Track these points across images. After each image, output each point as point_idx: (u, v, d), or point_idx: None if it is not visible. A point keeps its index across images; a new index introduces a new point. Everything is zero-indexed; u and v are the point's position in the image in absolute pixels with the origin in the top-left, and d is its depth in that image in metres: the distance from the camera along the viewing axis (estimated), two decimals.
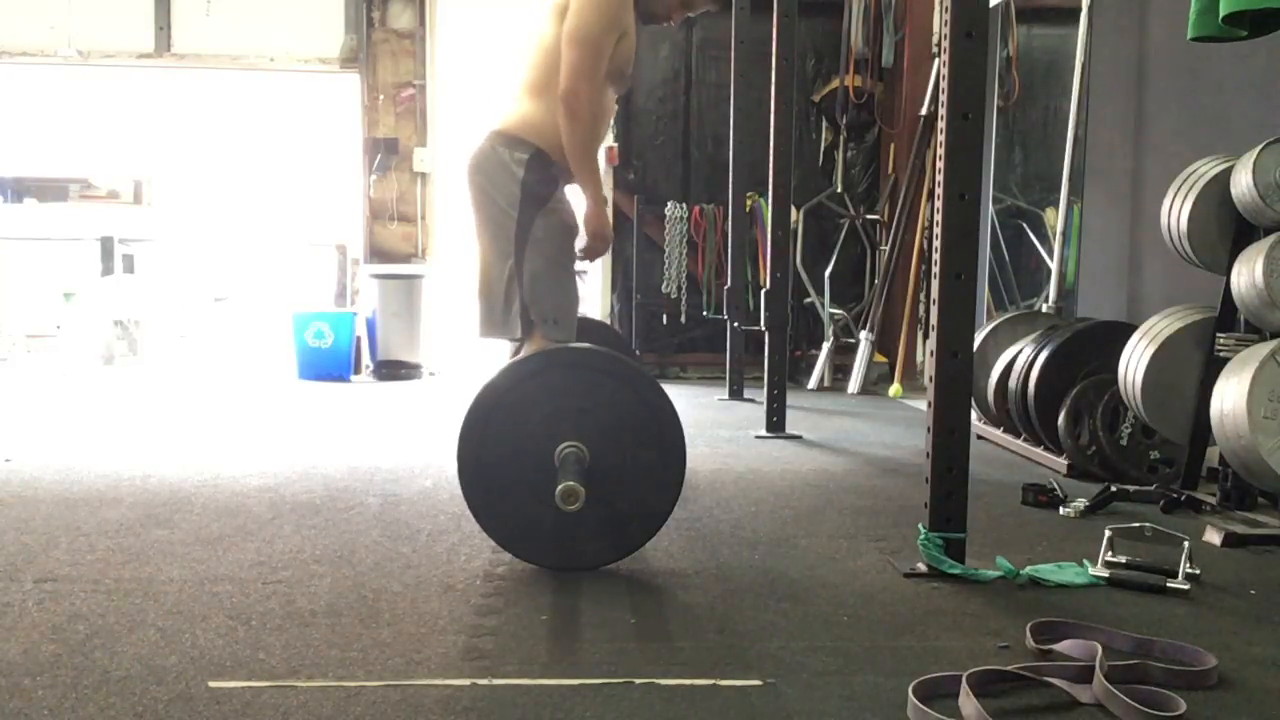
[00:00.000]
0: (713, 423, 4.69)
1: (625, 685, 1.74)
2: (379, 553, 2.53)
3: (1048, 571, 2.38)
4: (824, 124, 6.63)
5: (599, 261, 4.53)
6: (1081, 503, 3.06)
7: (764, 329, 4.44)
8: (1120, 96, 4.34)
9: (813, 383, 6.19)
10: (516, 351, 2.95)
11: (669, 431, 2.40)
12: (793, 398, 4.86)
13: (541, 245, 2.71)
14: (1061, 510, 3.06)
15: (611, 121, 2.94)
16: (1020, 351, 3.90)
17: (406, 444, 4.03)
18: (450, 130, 6.72)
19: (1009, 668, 1.77)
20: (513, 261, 2.72)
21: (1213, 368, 2.99)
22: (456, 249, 6.68)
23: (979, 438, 4.05)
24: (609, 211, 2.88)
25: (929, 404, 2.36)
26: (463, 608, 2.13)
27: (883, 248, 6.39)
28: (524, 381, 2.42)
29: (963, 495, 2.35)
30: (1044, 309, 4.32)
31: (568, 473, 2.25)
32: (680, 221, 6.48)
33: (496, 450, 2.37)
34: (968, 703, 1.62)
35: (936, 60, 4.86)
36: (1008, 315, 4.44)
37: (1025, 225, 5.64)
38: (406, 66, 6.58)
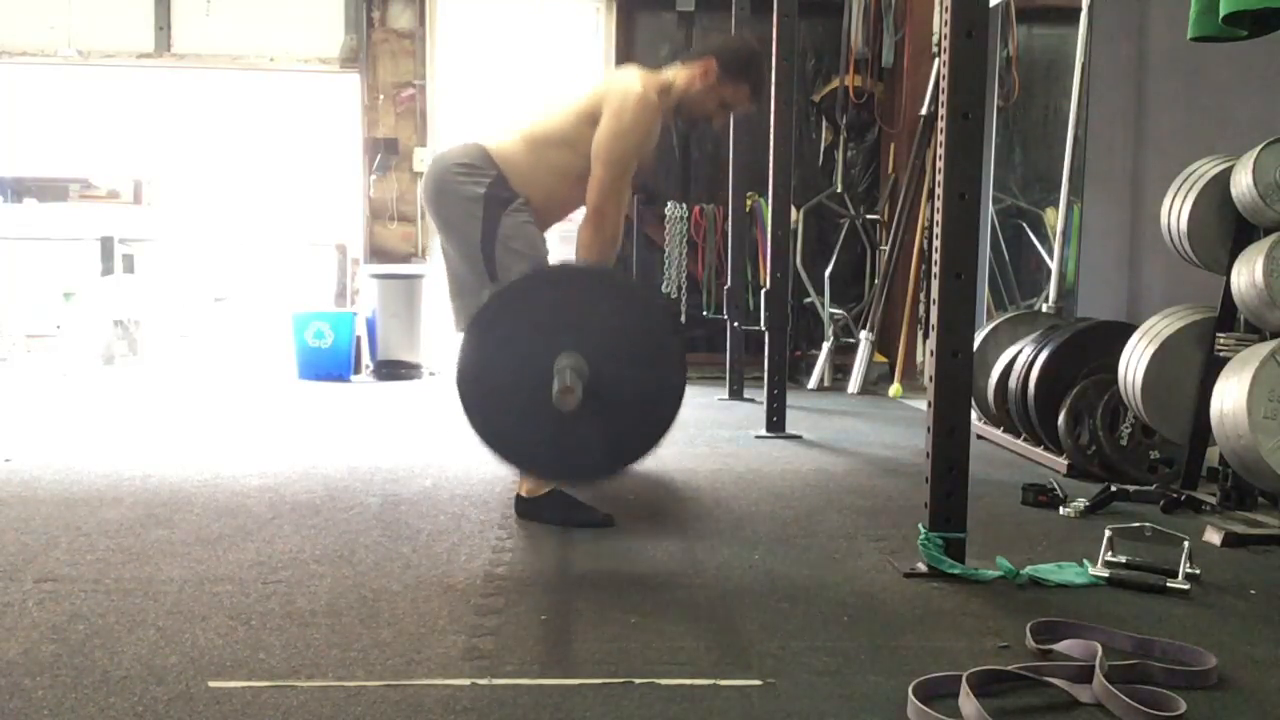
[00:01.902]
0: (713, 423, 4.69)
1: (625, 685, 1.74)
2: (379, 553, 2.53)
3: (1048, 571, 2.38)
4: (824, 124, 6.62)
5: None
6: (1081, 503, 3.06)
7: (764, 329, 4.44)
8: (1120, 96, 4.34)
9: (813, 383, 6.19)
10: None
11: (667, 344, 2.38)
12: (793, 398, 4.86)
13: (511, 241, 2.77)
14: (1061, 510, 3.06)
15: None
16: (1020, 351, 3.90)
17: (406, 444, 4.03)
18: (450, 130, 6.72)
19: (1009, 668, 1.77)
20: (481, 257, 2.77)
21: (1213, 368, 2.99)
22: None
23: (979, 438, 4.05)
24: None
25: (929, 404, 2.36)
26: (463, 608, 2.13)
27: (883, 248, 6.39)
28: (523, 296, 2.40)
29: (963, 495, 2.35)
30: (1044, 309, 4.31)
31: (564, 374, 2.22)
32: (680, 221, 6.48)
33: (495, 365, 2.34)
34: (968, 703, 1.62)
35: (936, 60, 4.86)
36: (1008, 315, 4.44)
37: (1025, 225, 5.64)
38: (406, 66, 6.58)
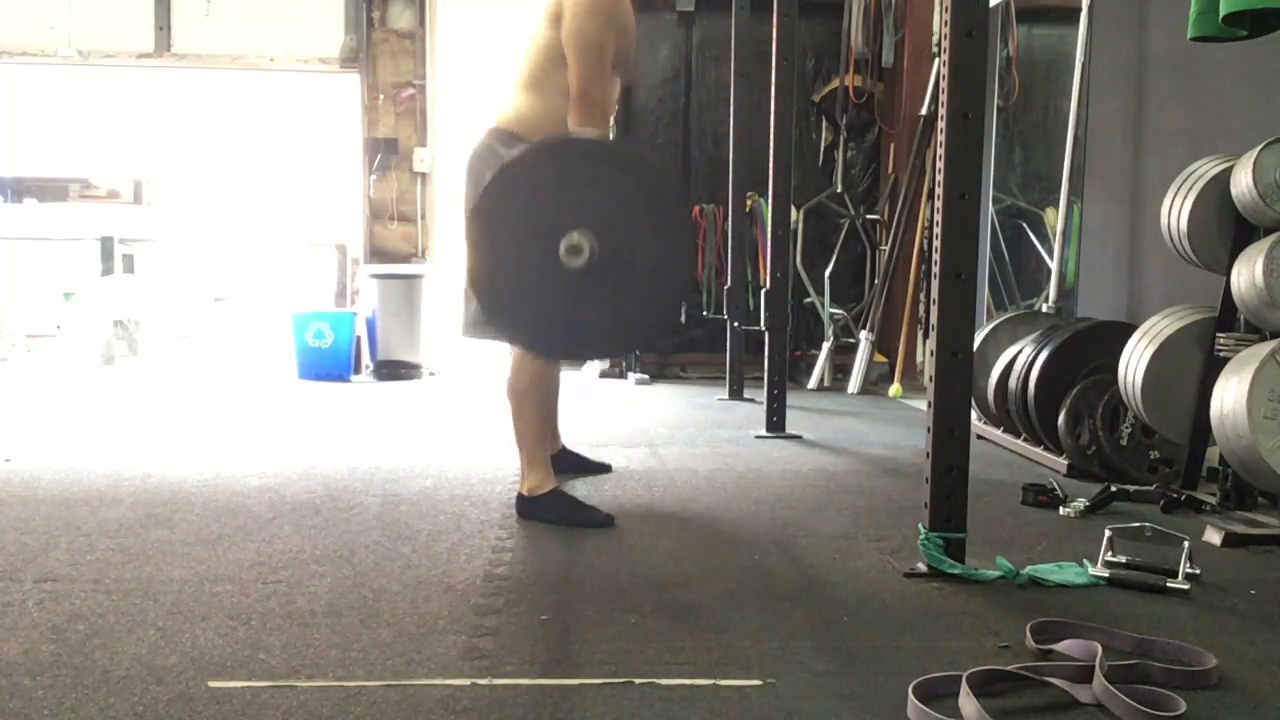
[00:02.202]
0: (713, 423, 4.69)
1: (625, 685, 1.74)
2: (379, 553, 2.53)
3: (1048, 571, 2.38)
4: (824, 124, 6.62)
5: None
6: (1081, 503, 3.06)
7: (764, 329, 4.44)
8: (1120, 96, 4.34)
9: (813, 383, 6.19)
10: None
11: (678, 220, 2.34)
12: (793, 398, 4.86)
13: None
14: (1061, 510, 3.06)
15: (615, 108, 2.98)
16: (1020, 351, 3.90)
17: (406, 444, 4.03)
18: (450, 130, 6.72)
19: (1009, 668, 1.77)
20: None
21: (1213, 368, 2.99)
22: (456, 249, 6.68)
23: (979, 438, 4.05)
24: None
25: (929, 404, 2.36)
26: (463, 608, 2.13)
27: (883, 248, 6.39)
28: (533, 170, 2.37)
29: (963, 495, 2.35)
30: (1044, 309, 4.31)
31: (571, 235, 2.19)
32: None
33: (504, 241, 2.32)
34: (968, 703, 1.62)
35: (936, 60, 4.86)
36: (1008, 315, 4.44)
37: (1025, 225, 5.63)
38: (406, 66, 6.58)
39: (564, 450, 3.45)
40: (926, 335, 5.66)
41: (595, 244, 2.25)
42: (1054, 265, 4.40)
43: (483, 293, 2.36)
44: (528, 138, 2.77)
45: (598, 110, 2.74)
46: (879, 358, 6.18)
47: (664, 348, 5.93)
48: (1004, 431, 4.14)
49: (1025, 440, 3.94)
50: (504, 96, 2.95)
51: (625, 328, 2.37)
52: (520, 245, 2.31)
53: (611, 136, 2.84)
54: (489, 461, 3.64)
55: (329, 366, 6.09)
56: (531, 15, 2.97)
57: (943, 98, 2.31)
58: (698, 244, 6.41)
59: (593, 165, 2.38)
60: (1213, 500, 3.03)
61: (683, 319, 6.52)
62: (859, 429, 4.64)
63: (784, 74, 4.42)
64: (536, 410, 2.94)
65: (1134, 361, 3.23)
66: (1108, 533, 2.45)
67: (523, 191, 2.34)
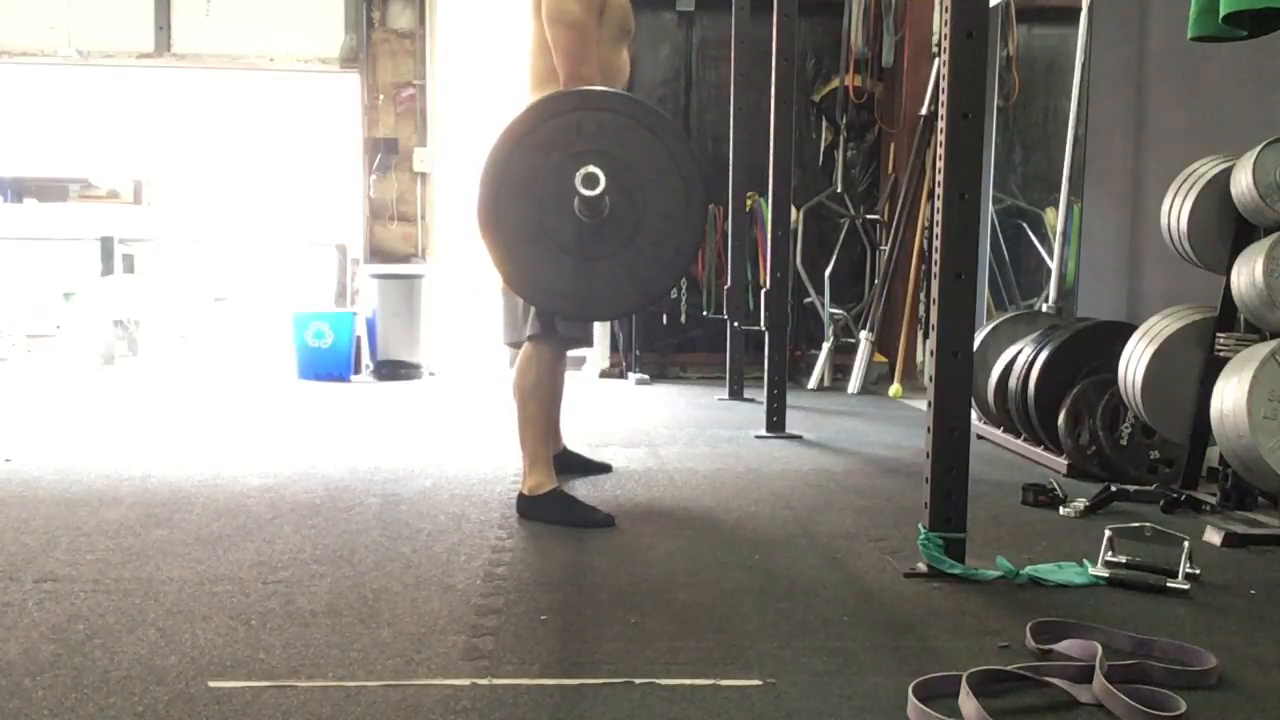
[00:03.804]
0: (713, 423, 4.69)
1: (625, 685, 1.74)
2: (379, 553, 2.53)
3: (1048, 571, 2.38)
4: (824, 124, 6.63)
5: None
6: (1081, 503, 3.06)
7: (764, 329, 4.44)
8: (1120, 96, 4.34)
9: (813, 383, 6.19)
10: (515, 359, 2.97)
11: (689, 174, 2.34)
12: (793, 398, 4.86)
13: None
14: (1061, 510, 3.06)
15: (625, 76, 2.96)
16: (1020, 351, 3.90)
17: (406, 444, 4.03)
18: (450, 130, 6.72)
19: (1009, 668, 1.77)
20: None
21: (1213, 368, 2.99)
22: (456, 249, 6.69)
23: (979, 438, 4.05)
24: None
25: (929, 404, 2.36)
26: (463, 608, 2.13)
27: (883, 248, 6.39)
28: (544, 123, 2.36)
29: (963, 495, 2.35)
30: (1044, 309, 4.31)
31: (588, 166, 2.18)
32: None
33: (516, 196, 2.31)
34: (968, 703, 1.62)
35: (936, 60, 4.86)
36: (1008, 315, 4.44)
37: (1025, 225, 5.64)
38: (406, 66, 6.58)
39: (565, 450, 3.45)
40: (926, 335, 5.66)
41: (608, 180, 2.23)
42: (1054, 265, 4.40)
43: (497, 243, 2.33)
44: None
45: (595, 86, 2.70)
46: (879, 358, 6.19)
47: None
48: (1004, 431, 4.14)
49: (1025, 440, 3.94)
50: (520, 98, 2.94)
51: (639, 284, 2.36)
52: (535, 192, 2.30)
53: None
54: (489, 461, 3.64)
55: (329, 366, 6.09)
56: (524, 16, 2.96)
57: (943, 98, 2.31)
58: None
59: (606, 117, 2.36)
60: (1213, 500, 3.03)
61: (682, 318, 6.53)
62: (859, 429, 4.64)
63: (784, 74, 4.42)
64: (541, 410, 2.94)
65: (1134, 361, 3.23)
66: (1108, 533, 2.45)
67: (537, 142, 2.32)
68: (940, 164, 2.32)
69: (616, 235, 2.22)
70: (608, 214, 2.26)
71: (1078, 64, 4.34)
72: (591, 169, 2.12)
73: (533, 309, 2.75)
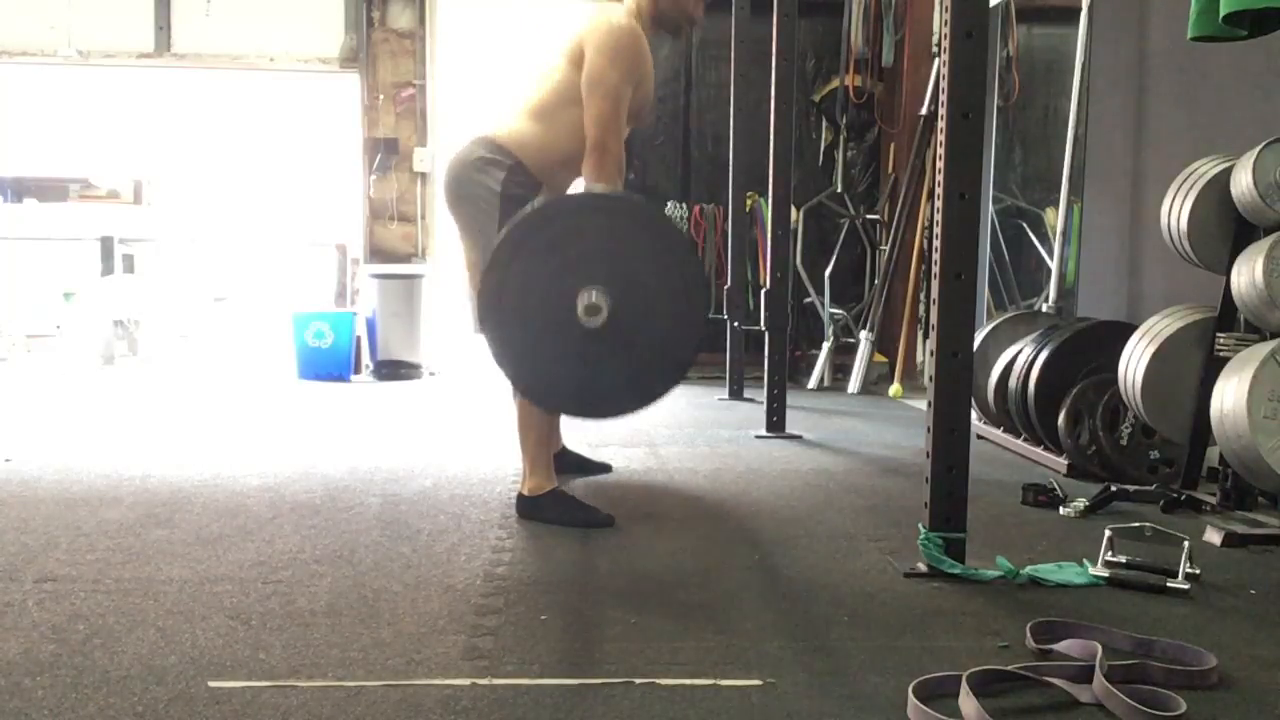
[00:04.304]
0: (713, 423, 4.69)
1: (625, 685, 1.74)
2: (379, 553, 2.53)
3: (1048, 571, 2.38)
4: (824, 124, 6.63)
5: None
6: (1081, 503, 3.06)
7: (764, 329, 4.44)
8: (1120, 96, 4.34)
9: (813, 383, 6.19)
10: None
11: (692, 279, 2.35)
12: (793, 398, 4.86)
13: None
14: (1061, 510, 3.06)
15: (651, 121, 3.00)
16: (1020, 351, 3.90)
17: (406, 444, 4.03)
18: (450, 130, 6.72)
19: (1009, 668, 1.77)
20: None
21: (1213, 368, 2.99)
22: (457, 249, 6.68)
23: (979, 438, 4.05)
24: None
25: (929, 404, 2.36)
26: (463, 608, 2.13)
27: (883, 248, 6.39)
28: (547, 225, 2.37)
29: (963, 495, 2.35)
30: (1044, 309, 4.31)
31: (590, 293, 2.19)
32: (680, 221, 6.48)
33: (519, 298, 2.31)
34: (968, 703, 1.62)
35: (936, 60, 4.86)
36: (1008, 315, 4.44)
37: (1025, 225, 5.64)
38: (406, 66, 6.58)
39: (564, 450, 3.45)
40: (926, 335, 5.66)
41: (611, 302, 2.25)
42: (1054, 265, 4.40)
43: (498, 346, 2.36)
44: (515, 156, 2.80)
45: (613, 160, 2.75)
46: (879, 358, 6.19)
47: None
48: (1004, 431, 4.14)
49: (1025, 440, 3.94)
50: (504, 114, 2.95)
51: (638, 389, 2.38)
52: (536, 296, 2.31)
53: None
54: (489, 461, 3.64)
55: (329, 366, 6.09)
56: (543, 32, 2.97)
57: (943, 98, 2.31)
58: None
59: (609, 221, 2.38)
60: (1213, 500, 3.03)
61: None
62: (859, 429, 4.64)
63: (784, 74, 4.42)
64: (541, 412, 2.93)
65: (1134, 361, 3.23)
66: (1108, 533, 2.45)
67: (542, 241, 2.34)
68: (940, 164, 2.32)
69: (617, 339, 2.23)
70: (609, 320, 2.27)
71: (1078, 64, 4.34)
72: (594, 298, 2.13)
73: None
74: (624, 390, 2.36)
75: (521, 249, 2.33)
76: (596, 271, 2.29)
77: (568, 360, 2.28)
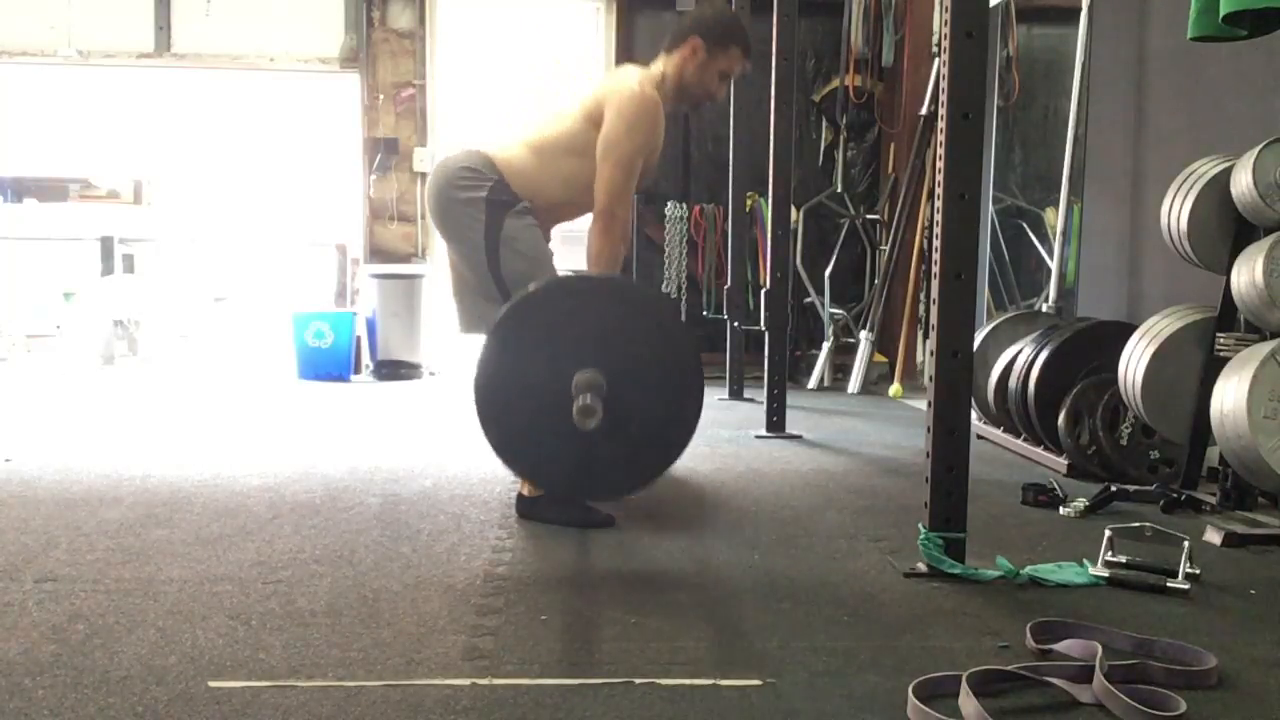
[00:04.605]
0: (713, 423, 4.68)
1: (625, 685, 1.74)
2: (379, 553, 2.53)
3: (1048, 571, 2.38)
4: (824, 124, 6.63)
5: None
6: (1081, 503, 3.06)
7: (764, 329, 4.44)
8: (1120, 96, 4.34)
9: (813, 383, 6.19)
10: None
11: (687, 360, 2.37)
12: (793, 398, 4.86)
13: (515, 243, 2.76)
14: (1061, 510, 3.06)
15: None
16: (1020, 351, 3.90)
17: (406, 444, 4.03)
18: (450, 130, 6.73)
19: (1009, 668, 1.77)
20: (485, 260, 2.76)
21: (1213, 368, 2.99)
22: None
23: (979, 438, 4.05)
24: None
25: (929, 404, 2.36)
26: (463, 608, 2.13)
27: (883, 248, 6.39)
28: (541, 308, 2.39)
29: (963, 495, 2.35)
30: (1044, 309, 4.32)
31: (584, 392, 2.21)
32: (680, 221, 6.48)
33: (513, 379, 2.33)
34: (968, 703, 1.62)
35: (936, 60, 4.86)
36: (1008, 315, 4.44)
37: (1025, 225, 5.64)
38: (406, 66, 6.58)
39: None
40: (926, 335, 5.66)
41: (605, 391, 2.27)
42: (1054, 265, 4.40)
43: (488, 422, 2.37)
44: (501, 175, 2.80)
45: (620, 226, 2.78)
46: (879, 358, 6.19)
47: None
48: (1004, 431, 4.14)
49: (1025, 440, 3.94)
50: (505, 138, 2.96)
51: (634, 471, 2.41)
52: (531, 381, 2.33)
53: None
54: (489, 461, 3.62)
55: (329, 366, 6.09)
56: (564, 96, 3.01)
57: (943, 98, 2.31)
58: (698, 266, 6.42)
59: (609, 306, 2.40)
60: (1213, 500, 3.03)
61: (682, 319, 6.53)
62: (859, 429, 4.64)
63: (784, 74, 4.42)
64: None
65: (1134, 361, 3.23)
66: (1108, 533, 2.45)
67: (537, 326, 2.36)
68: (940, 164, 2.32)
69: (613, 423, 2.25)
70: (606, 409, 2.28)
71: (1078, 64, 4.34)
72: (588, 401, 2.14)
73: (494, 305, 2.80)
74: (620, 473, 2.39)
75: (514, 337, 2.36)
76: (590, 355, 2.32)
77: (564, 444, 2.30)
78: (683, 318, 2.10)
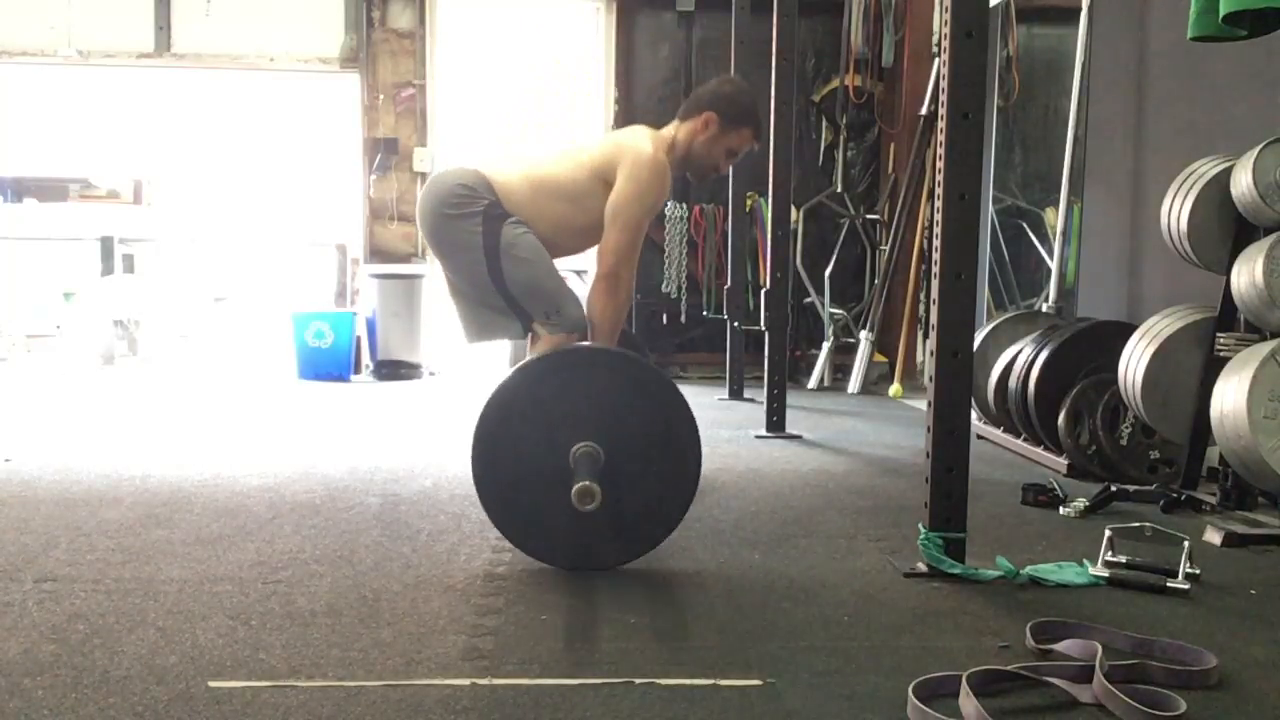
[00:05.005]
0: (713, 423, 4.68)
1: (625, 685, 1.74)
2: (379, 553, 2.53)
3: (1048, 571, 2.38)
4: (824, 124, 6.63)
5: None
6: (1081, 503, 3.06)
7: (764, 329, 4.44)
8: (1120, 96, 4.34)
9: (813, 383, 6.19)
10: (517, 353, 2.99)
11: (684, 433, 2.39)
12: (793, 398, 4.86)
13: (515, 249, 2.75)
14: (1061, 510, 3.06)
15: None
16: (1020, 351, 3.90)
17: (406, 444, 4.03)
18: (450, 130, 6.73)
19: (1009, 668, 1.77)
20: (486, 270, 2.74)
21: (1213, 368, 2.99)
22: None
23: (979, 438, 4.05)
24: None
25: (929, 404, 2.36)
26: (463, 608, 2.13)
27: (883, 248, 6.39)
28: (539, 382, 2.41)
29: (963, 495, 2.35)
30: (1044, 309, 4.32)
31: (583, 473, 2.23)
32: (680, 221, 6.48)
33: (511, 451, 2.37)
34: (968, 703, 1.62)
35: (936, 60, 4.86)
36: (1008, 315, 4.44)
37: (1025, 225, 5.64)
38: (406, 66, 6.58)
39: None
40: (926, 335, 5.66)
41: (602, 463, 2.30)
42: (1054, 265, 4.40)
43: (488, 497, 2.41)
44: (494, 196, 2.78)
45: (624, 289, 2.78)
46: (879, 358, 6.19)
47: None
48: (1004, 431, 4.15)
49: (1025, 440, 3.94)
50: (506, 162, 2.95)
51: (632, 541, 2.43)
52: (529, 457, 2.36)
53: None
54: None
55: (329, 366, 6.09)
56: (577, 140, 3.00)
57: (943, 98, 2.31)
58: (699, 265, 6.42)
59: (602, 377, 2.42)
60: (1213, 500, 3.03)
61: (682, 318, 6.53)
62: (859, 429, 4.64)
63: (784, 74, 4.42)
64: None
65: (1134, 361, 3.23)
66: (1108, 533, 2.45)
67: (527, 407, 2.38)
68: (940, 164, 2.32)
69: (610, 495, 2.27)
70: (603, 469, 2.32)
71: (1078, 64, 4.34)
72: (587, 485, 2.17)
73: (497, 314, 2.80)
74: (614, 542, 2.41)
75: (511, 410, 2.38)
76: (586, 429, 2.34)
77: (559, 517, 2.32)
78: (684, 402, 2.13)
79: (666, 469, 2.39)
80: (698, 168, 3.01)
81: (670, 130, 2.97)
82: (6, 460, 3.56)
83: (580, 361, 2.50)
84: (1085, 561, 2.44)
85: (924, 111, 6.03)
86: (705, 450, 3.95)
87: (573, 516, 2.25)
